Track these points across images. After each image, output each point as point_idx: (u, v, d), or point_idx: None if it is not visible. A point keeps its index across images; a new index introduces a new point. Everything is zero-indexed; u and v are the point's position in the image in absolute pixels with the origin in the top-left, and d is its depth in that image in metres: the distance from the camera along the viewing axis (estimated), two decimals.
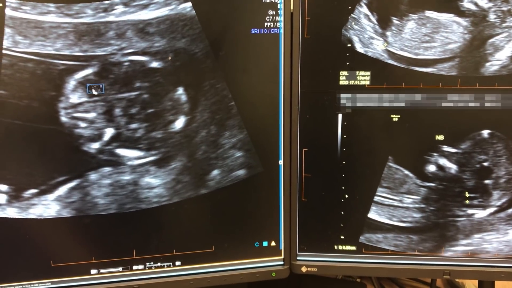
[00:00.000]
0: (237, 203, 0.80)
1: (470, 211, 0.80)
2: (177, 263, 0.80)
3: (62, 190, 0.73)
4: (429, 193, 0.80)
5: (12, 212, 0.72)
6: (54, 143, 0.71)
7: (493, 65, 0.74)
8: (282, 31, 0.74)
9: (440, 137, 0.78)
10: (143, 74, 0.71)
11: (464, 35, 0.74)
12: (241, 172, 0.78)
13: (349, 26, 0.75)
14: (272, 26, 0.74)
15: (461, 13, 0.73)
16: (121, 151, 0.73)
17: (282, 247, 0.83)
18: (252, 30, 0.73)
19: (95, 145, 0.72)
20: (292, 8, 0.74)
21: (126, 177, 0.75)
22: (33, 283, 0.76)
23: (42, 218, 0.73)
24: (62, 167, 0.72)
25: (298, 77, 0.77)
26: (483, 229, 0.80)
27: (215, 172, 0.77)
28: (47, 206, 0.73)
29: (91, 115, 0.71)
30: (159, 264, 0.79)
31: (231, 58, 0.74)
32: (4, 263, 0.74)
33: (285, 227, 0.82)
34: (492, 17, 0.72)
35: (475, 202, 0.79)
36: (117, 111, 0.72)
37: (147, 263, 0.79)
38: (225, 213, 0.80)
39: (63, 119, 0.70)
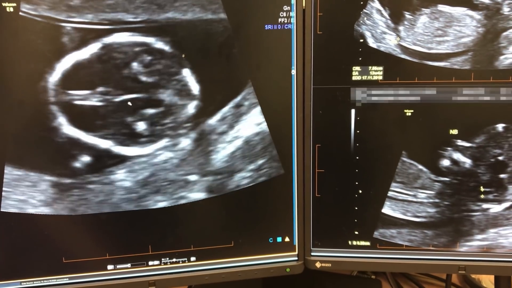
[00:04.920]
0: (252, 199, 0.80)
1: (485, 205, 0.79)
2: (192, 258, 0.81)
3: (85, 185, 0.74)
4: (444, 187, 0.79)
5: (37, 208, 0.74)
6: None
7: (507, 59, 0.74)
8: (294, 27, 0.75)
9: (454, 132, 0.77)
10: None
11: (477, 28, 0.73)
12: (263, 178, 0.79)
13: (361, 21, 0.75)
14: (285, 22, 0.74)
15: (474, 6, 0.73)
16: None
17: (296, 242, 0.83)
18: (266, 26, 0.74)
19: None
20: (304, 4, 0.75)
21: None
22: (50, 279, 0.77)
23: (59, 214, 0.75)
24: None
25: (310, 73, 0.77)
26: (499, 224, 0.80)
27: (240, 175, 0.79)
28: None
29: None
30: (174, 259, 0.80)
31: (244, 54, 0.74)
32: (22, 258, 0.76)
33: (299, 223, 0.83)
34: (506, 10, 0.72)
35: (490, 196, 0.79)
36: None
37: (162, 259, 0.80)
38: (239, 210, 0.80)
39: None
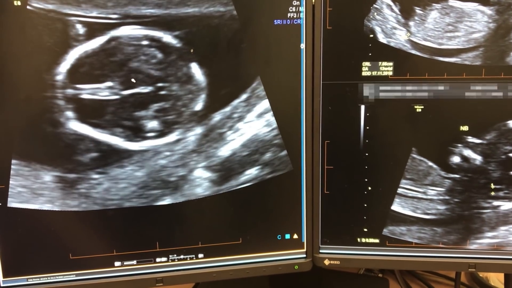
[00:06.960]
0: (260, 196, 0.80)
1: (495, 203, 0.79)
2: (200, 255, 0.80)
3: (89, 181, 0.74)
4: (454, 184, 0.79)
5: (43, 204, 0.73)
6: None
7: None
8: (303, 22, 0.74)
9: (465, 128, 0.77)
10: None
11: (488, 24, 0.73)
12: (271, 174, 0.79)
13: (371, 17, 0.74)
14: (295, 16, 0.74)
15: (485, 1, 0.72)
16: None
17: (304, 239, 0.83)
18: (275, 21, 0.73)
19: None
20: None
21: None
22: (57, 275, 0.76)
23: (67, 210, 0.74)
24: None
25: (320, 68, 0.76)
26: (509, 221, 0.79)
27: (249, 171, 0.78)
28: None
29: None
30: (182, 256, 0.80)
31: (253, 49, 0.74)
32: (28, 255, 0.75)
33: (307, 220, 0.82)
34: None
35: (501, 193, 0.78)
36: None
37: (170, 255, 0.79)
38: (247, 206, 0.80)
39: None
